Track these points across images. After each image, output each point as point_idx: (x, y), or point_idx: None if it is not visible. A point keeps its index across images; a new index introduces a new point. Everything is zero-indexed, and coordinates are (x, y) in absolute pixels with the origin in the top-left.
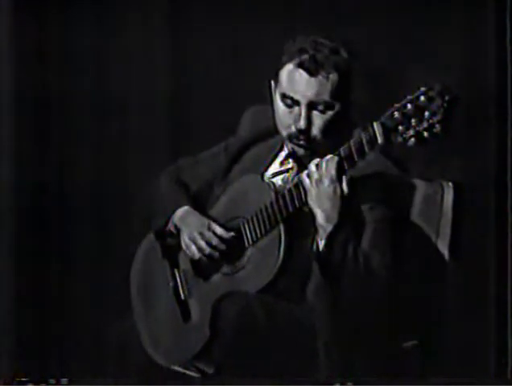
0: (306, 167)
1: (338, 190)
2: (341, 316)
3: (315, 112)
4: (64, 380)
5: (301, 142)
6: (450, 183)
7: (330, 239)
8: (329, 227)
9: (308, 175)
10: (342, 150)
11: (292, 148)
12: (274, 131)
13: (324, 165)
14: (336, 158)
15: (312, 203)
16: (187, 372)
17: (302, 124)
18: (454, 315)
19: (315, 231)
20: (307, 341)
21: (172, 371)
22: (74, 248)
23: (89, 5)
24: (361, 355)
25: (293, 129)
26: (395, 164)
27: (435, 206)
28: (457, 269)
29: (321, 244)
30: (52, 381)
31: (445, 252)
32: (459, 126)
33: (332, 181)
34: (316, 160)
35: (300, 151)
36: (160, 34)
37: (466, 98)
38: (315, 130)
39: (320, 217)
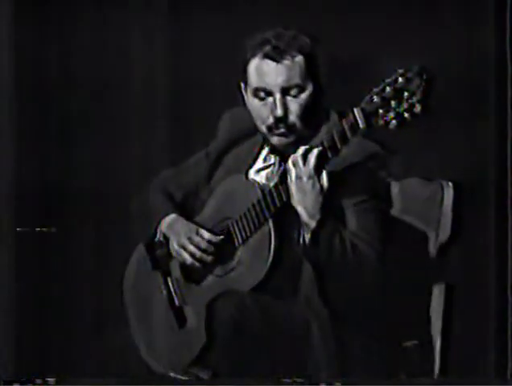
0: (287, 157)
1: (318, 186)
2: (336, 312)
3: (289, 98)
4: (51, 380)
5: (281, 130)
6: (450, 183)
7: (314, 235)
8: (313, 224)
9: (288, 173)
10: (325, 140)
11: (274, 143)
12: (254, 130)
13: (300, 161)
14: (314, 152)
15: (294, 200)
16: (185, 379)
17: (279, 111)
18: (454, 315)
19: (301, 226)
20: (303, 339)
21: (170, 378)
22: (74, 248)
23: (89, 4)
24: (359, 354)
25: (271, 119)
26: (379, 144)
27: (435, 206)
28: (457, 269)
29: (307, 238)
30: (39, 381)
31: (445, 251)
32: (459, 126)
33: (310, 177)
34: (293, 157)
35: (282, 140)
36: (160, 33)
37: (466, 97)
38: (293, 116)
39: (302, 214)
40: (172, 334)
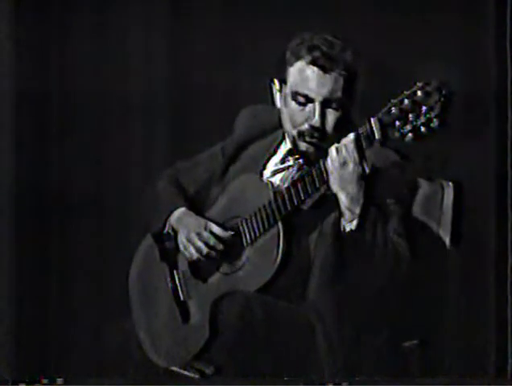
0: (312, 163)
1: (361, 171)
2: (345, 313)
3: (328, 110)
4: (60, 380)
5: (313, 140)
6: (450, 183)
7: (361, 218)
8: (357, 209)
9: (330, 160)
10: None
11: (297, 145)
12: (271, 129)
13: (343, 149)
14: (352, 138)
15: (336, 187)
16: (187, 374)
17: (317, 121)
18: (454, 315)
19: (341, 215)
20: (307, 340)
21: (172, 373)
22: (74, 248)
23: (89, 4)
24: (364, 354)
25: (306, 126)
26: (396, 152)
27: (436, 205)
28: (457, 268)
29: (350, 226)
30: (46, 381)
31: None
32: (459, 125)
33: (355, 161)
34: (336, 145)
35: (311, 149)
36: (160, 34)
37: (466, 97)
38: (329, 128)
39: (345, 200)
40: (175, 328)
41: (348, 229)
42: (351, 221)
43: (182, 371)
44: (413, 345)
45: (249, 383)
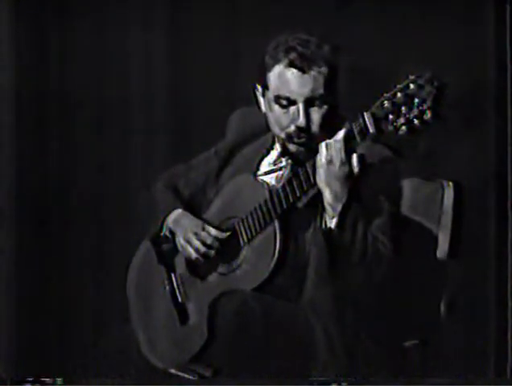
0: (302, 164)
1: (347, 170)
2: (342, 310)
3: (312, 108)
4: (59, 380)
5: (301, 140)
6: (450, 183)
7: (341, 217)
8: (339, 207)
9: (319, 156)
10: None
11: (287, 147)
12: (263, 131)
13: (333, 145)
14: (341, 137)
15: (321, 183)
16: (185, 376)
17: (302, 121)
18: (454, 315)
19: (324, 210)
20: (306, 339)
21: (170, 374)
22: (74, 249)
23: (89, 4)
24: (361, 353)
25: (292, 128)
26: (389, 148)
27: (436, 205)
28: (457, 269)
29: (331, 223)
30: (49, 380)
31: (445, 251)
32: (459, 125)
33: (341, 161)
34: (327, 141)
35: (300, 149)
36: (160, 33)
37: (466, 97)
38: (315, 126)
39: (328, 196)
40: (174, 330)
41: (329, 226)
42: (332, 218)
43: (180, 373)
44: (413, 345)
45: (249, 384)
